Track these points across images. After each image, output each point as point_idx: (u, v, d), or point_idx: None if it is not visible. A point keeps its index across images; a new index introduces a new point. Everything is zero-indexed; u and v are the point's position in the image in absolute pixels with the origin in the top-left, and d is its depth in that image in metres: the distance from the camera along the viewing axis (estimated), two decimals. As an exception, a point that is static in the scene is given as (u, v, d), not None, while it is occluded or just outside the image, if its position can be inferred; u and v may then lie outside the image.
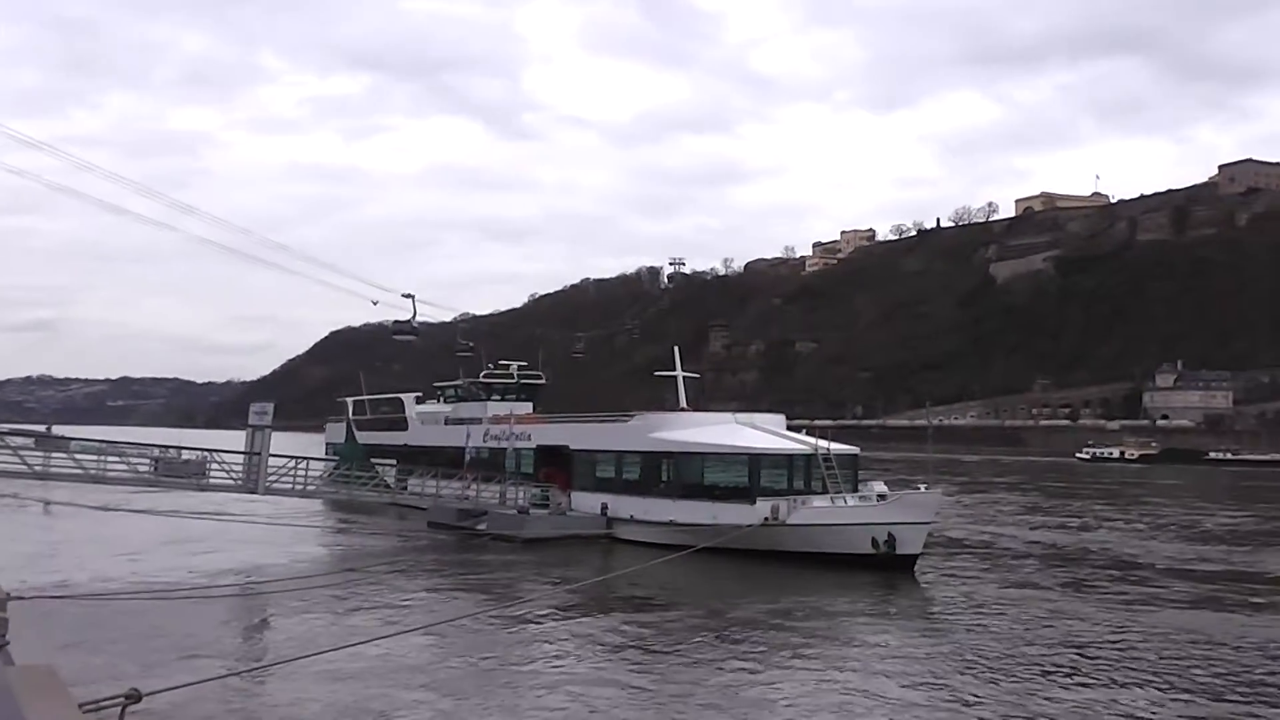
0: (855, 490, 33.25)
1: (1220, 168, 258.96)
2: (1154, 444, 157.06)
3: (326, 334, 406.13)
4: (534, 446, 43.38)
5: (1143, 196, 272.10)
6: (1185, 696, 17.26)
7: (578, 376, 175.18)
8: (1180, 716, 16.23)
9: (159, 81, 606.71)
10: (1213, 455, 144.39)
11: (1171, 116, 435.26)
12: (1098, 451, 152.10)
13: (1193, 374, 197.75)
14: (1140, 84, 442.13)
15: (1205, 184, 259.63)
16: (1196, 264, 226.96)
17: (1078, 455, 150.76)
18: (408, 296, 44.98)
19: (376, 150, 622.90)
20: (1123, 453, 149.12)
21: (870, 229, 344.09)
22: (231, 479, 35.67)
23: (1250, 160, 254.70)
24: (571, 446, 41.50)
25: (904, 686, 17.80)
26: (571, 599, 25.43)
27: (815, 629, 22.85)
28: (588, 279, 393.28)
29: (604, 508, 38.12)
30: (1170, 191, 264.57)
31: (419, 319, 49.88)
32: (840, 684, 17.93)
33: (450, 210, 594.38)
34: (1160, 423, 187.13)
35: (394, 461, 48.11)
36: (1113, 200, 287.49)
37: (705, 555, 30.17)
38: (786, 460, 34.95)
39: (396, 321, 46.10)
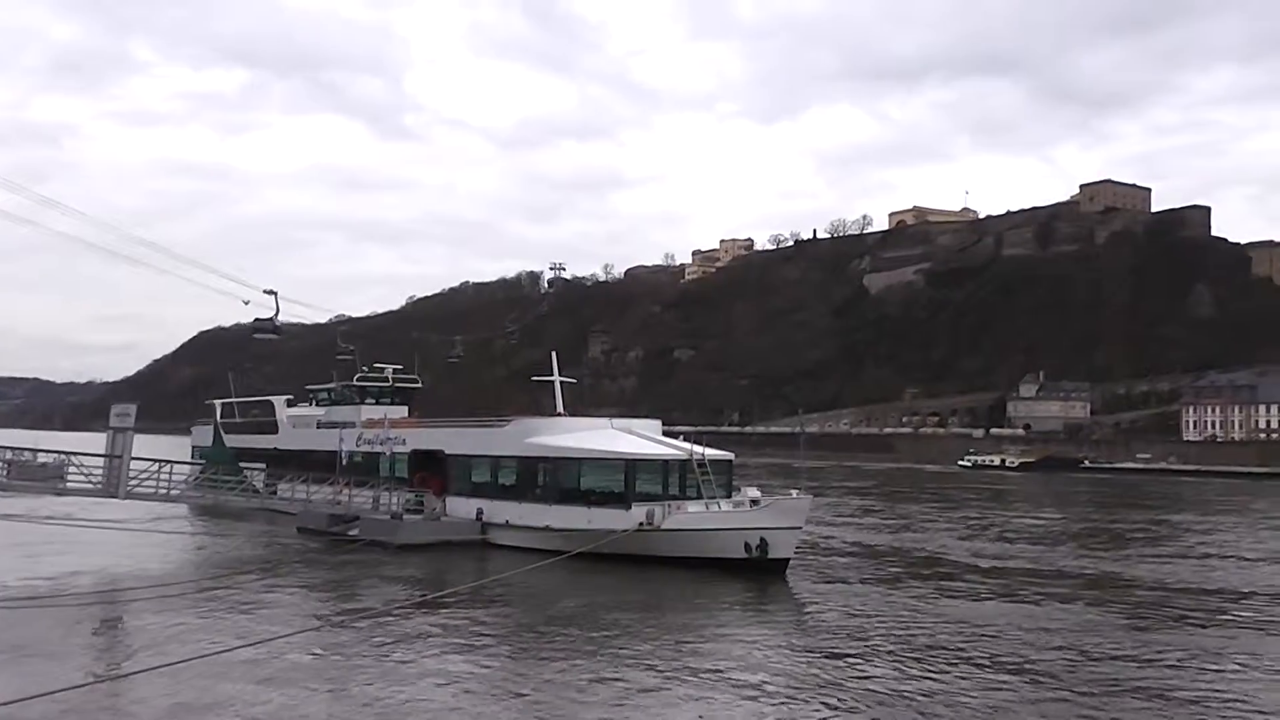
0: (730, 496, 33.55)
1: (1081, 187, 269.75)
2: (1032, 452, 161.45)
3: (195, 334, 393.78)
4: (409, 451, 42.79)
5: (1009, 213, 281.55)
6: (1009, 681, 17.88)
7: (455, 380, 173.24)
8: (1010, 702, 16.80)
9: (23, 69, 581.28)
10: (1088, 463, 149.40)
11: (1037, 137, 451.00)
12: (979, 459, 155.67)
13: (1054, 384, 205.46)
14: (1009, 105, 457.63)
15: (1067, 202, 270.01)
16: (1058, 279, 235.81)
17: (959, 463, 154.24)
18: (270, 293, 43.62)
19: (252, 147, 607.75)
20: (1003, 460, 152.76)
21: (749, 238, 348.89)
22: (91, 483, 34.30)
23: (1109, 181, 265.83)
24: (447, 451, 41.04)
25: (772, 689, 18.03)
26: (445, 605, 25.13)
27: (688, 633, 23.01)
28: (467, 282, 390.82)
29: (479, 513, 37.82)
30: (1035, 209, 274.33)
31: (284, 318, 48.37)
32: (711, 686, 18.09)
33: (328, 210, 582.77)
34: (1020, 431, 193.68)
35: (263, 466, 46.92)
36: (981, 216, 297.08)
37: (580, 560, 30.16)
38: (662, 466, 35.12)
39: (257, 319, 44.47)
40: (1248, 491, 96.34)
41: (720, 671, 19.20)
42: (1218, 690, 18.62)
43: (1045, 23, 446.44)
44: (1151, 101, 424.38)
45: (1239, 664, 20.86)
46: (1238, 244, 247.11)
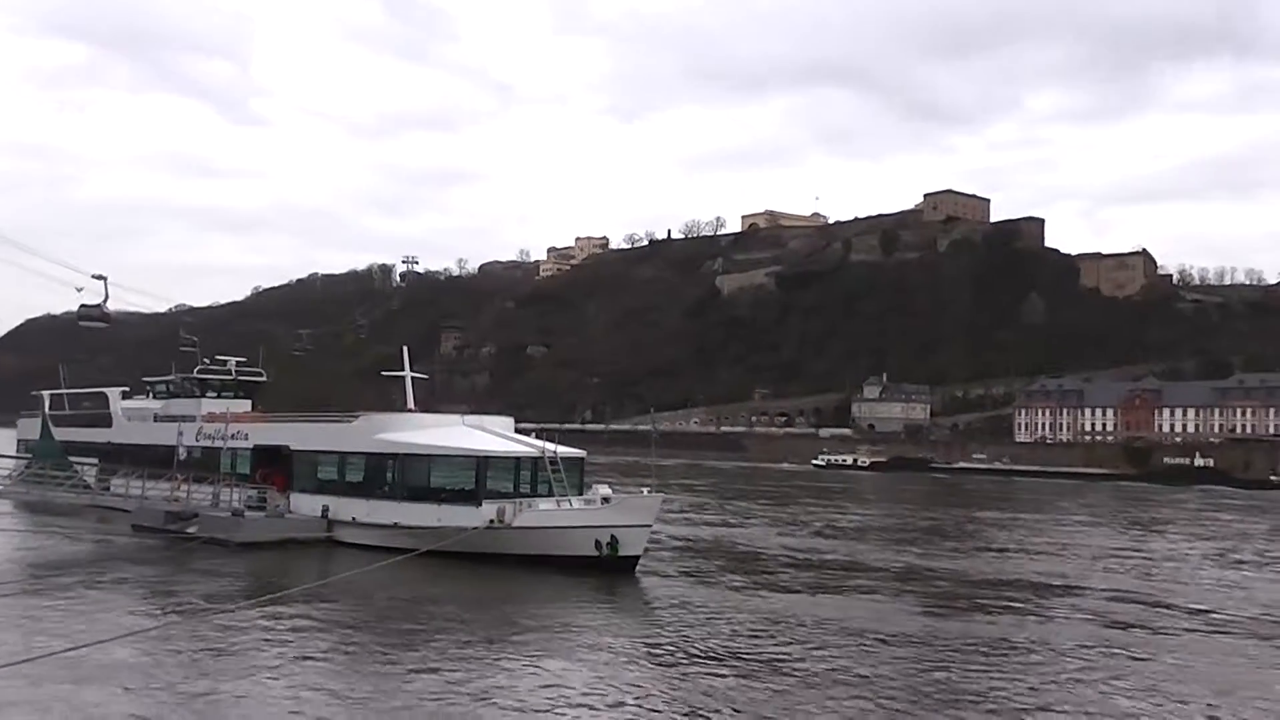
0: (581, 494, 33.61)
1: (925, 196, 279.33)
2: (884, 452, 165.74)
3: (22, 321, 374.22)
4: (251, 446, 41.50)
5: (856, 219, 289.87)
6: (830, 674, 18.45)
7: (302, 375, 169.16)
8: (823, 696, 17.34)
9: None
10: (935, 463, 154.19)
11: (885, 146, 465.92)
12: (832, 459, 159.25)
13: (896, 387, 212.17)
14: (858, 115, 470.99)
15: (911, 210, 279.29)
16: (901, 285, 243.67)
17: (813, 462, 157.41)
18: (99, 278, 41.65)
19: (88, 127, 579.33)
20: (855, 460, 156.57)
21: (604, 237, 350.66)
22: (-98, 477, 32.32)
23: (950, 191, 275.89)
24: (292, 447, 39.99)
25: (616, 686, 18.13)
26: (288, 605, 24.45)
27: (538, 631, 22.96)
28: (316, 274, 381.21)
29: (325, 510, 36.97)
30: (881, 216, 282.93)
31: (120, 307, 46.25)
32: (560, 683, 18.09)
33: (170, 196, 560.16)
34: (848, 431, 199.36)
35: (95, 460, 44.89)
36: (830, 221, 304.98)
37: (430, 558, 29.78)
38: (514, 463, 34.97)
39: (84, 306, 42.31)
40: (1073, 491, 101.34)
41: (566, 669, 19.21)
42: (1000, 675, 19.81)
43: (892, 38, 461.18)
44: (991, 118, 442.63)
45: (1019, 648, 22.38)
46: (1068, 255, 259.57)
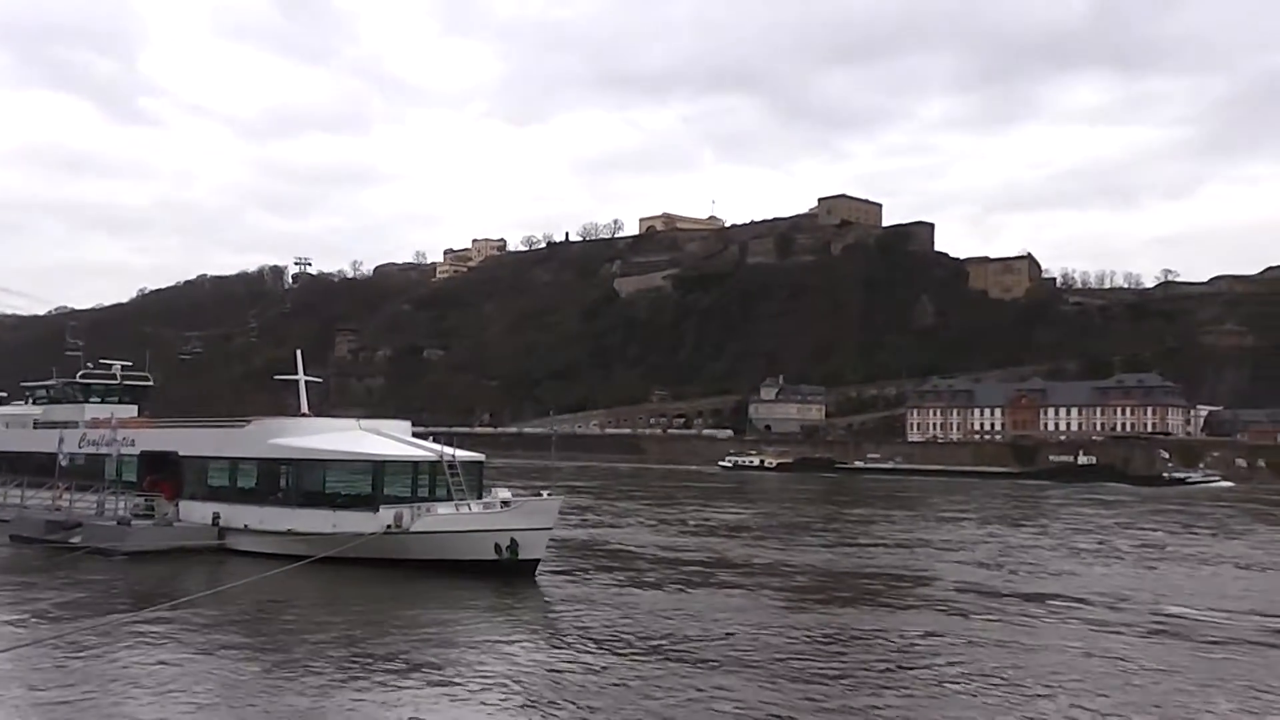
0: (480, 497, 33.37)
1: (819, 200, 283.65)
2: (790, 453, 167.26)
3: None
4: (138, 453, 40.30)
5: (752, 222, 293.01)
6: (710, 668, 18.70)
7: (191, 379, 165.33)
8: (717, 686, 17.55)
9: None
10: (840, 464, 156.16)
11: (780, 152, 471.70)
12: (739, 460, 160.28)
13: (792, 388, 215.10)
14: (754, 120, 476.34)
15: (806, 214, 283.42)
16: (797, 287, 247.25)
17: (720, 464, 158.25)
18: (-30, 278, 40.03)
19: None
20: (762, 461, 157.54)
21: (502, 239, 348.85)
22: None
23: (844, 196, 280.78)
24: (181, 453, 38.95)
25: (515, 690, 18.05)
26: (177, 615, 23.79)
27: (433, 638, 22.71)
28: (204, 275, 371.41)
29: (216, 517, 36.10)
30: (776, 219, 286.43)
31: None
32: (460, 690, 17.93)
33: (50, 194, 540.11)
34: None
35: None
36: (726, 224, 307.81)
37: (327, 565, 29.27)
38: (411, 467, 34.55)
39: None
40: (962, 488, 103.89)
41: (464, 675, 19.06)
42: (840, 661, 20.86)
43: (788, 45, 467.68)
44: (884, 123, 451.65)
45: (869, 634, 23.38)
46: (957, 259, 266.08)
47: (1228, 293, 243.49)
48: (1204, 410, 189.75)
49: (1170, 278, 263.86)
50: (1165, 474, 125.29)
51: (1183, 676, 20.20)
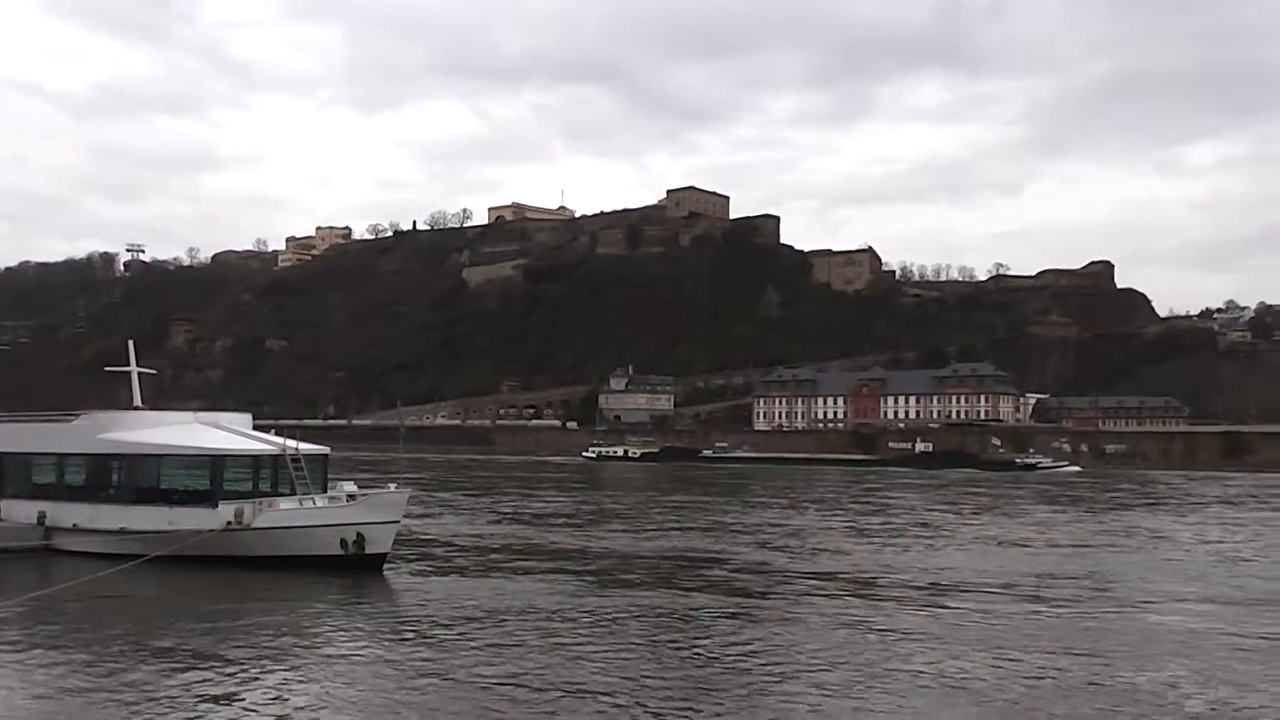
0: (325, 491, 32.59)
1: (668, 192, 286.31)
2: (655, 443, 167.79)
3: None
4: (-47, 449, 37.98)
5: (602, 213, 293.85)
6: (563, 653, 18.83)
7: (13, 370, 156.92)
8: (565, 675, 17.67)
9: None
10: (705, 453, 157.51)
11: (631, 144, 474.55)
12: (603, 450, 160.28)
13: (641, 378, 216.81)
14: (606, 112, 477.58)
15: (655, 206, 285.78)
16: (646, 278, 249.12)
17: (584, 454, 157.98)
18: None
19: None
20: (626, 451, 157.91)
21: (347, 227, 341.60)
22: None
23: (693, 188, 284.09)
24: (1, 449, 36.90)
25: (368, 689, 17.71)
26: (-3, 621, 22.54)
27: (280, 636, 22.05)
28: (27, 262, 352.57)
29: (41, 517, 34.28)
30: (626, 210, 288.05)
31: None
32: (305, 689, 17.49)
33: None
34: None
35: None
36: (576, 215, 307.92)
37: (164, 564, 28.19)
38: (252, 461, 33.44)
39: None
40: (813, 476, 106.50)
41: (303, 673, 18.60)
42: (634, 642, 21.57)
43: (640, 37, 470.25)
44: (732, 118, 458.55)
45: (649, 610, 23.74)
46: (802, 251, 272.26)
47: (1054, 286, 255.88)
48: (1033, 398, 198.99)
49: (1002, 271, 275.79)
50: (1017, 460, 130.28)
51: (906, 634, 22.37)
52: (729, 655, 20.36)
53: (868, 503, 67.11)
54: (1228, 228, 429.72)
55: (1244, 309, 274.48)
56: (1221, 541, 44.51)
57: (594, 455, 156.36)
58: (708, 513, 56.72)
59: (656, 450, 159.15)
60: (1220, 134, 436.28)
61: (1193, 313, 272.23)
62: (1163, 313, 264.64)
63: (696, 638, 22.08)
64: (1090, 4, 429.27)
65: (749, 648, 21.10)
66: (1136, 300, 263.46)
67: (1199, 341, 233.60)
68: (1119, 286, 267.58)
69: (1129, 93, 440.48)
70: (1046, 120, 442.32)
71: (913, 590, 29.09)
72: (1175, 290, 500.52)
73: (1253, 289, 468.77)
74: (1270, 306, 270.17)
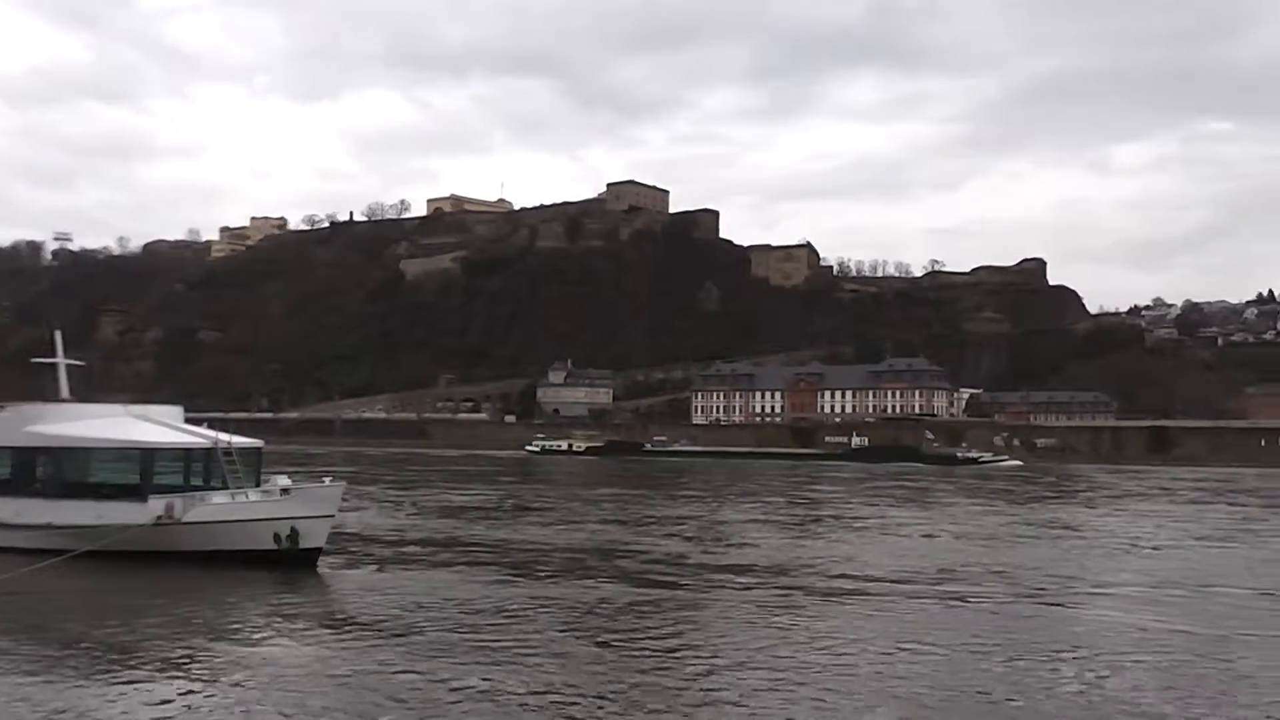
0: (258, 485, 32.17)
1: (608, 186, 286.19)
2: (599, 437, 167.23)
3: None
4: None
5: (542, 206, 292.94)
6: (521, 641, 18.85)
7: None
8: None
9: None
10: (649, 447, 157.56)
11: (572, 137, 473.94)
12: (546, 444, 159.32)
13: (580, 372, 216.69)
14: (546, 104, 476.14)
15: (595, 199, 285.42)
16: (585, 272, 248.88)
17: (527, 448, 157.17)
18: None
19: None
20: (570, 446, 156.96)
21: (282, 217, 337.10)
22: None
23: (633, 182, 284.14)
24: (-79, 442, 35.91)
25: (298, 685, 17.53)
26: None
27: (212, 633, 21.71)
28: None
29: (-37, 512, 33.47)
30: (566, 203, 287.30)
31: None
32: (235, 686, 17.26)
33: None
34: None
35: None
36: (516, 208, 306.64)
37: (92, 560, 27.65)
38: (184, 454, 32.88)
39: None
40: (745, 470, 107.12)
41: (238, 671, 18.36)
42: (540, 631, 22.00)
43: (582, 30, 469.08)
44: (672, 112, 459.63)
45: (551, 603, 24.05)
46: (740, 246, 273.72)
47: (988, 282, 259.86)
48: (966, 393, 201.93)
49: (937, 267, 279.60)
50: (958, 454, 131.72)
51: (820, 625, 22.96)
52: (639, 646, 20.57)
53: (803, 497, 67.64)
54: (1156, 227, 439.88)
55: (1170, 306, 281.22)
56: (1135, 534, 45.55)
57: (538, 449, 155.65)
58: (635, 506, 56.99)
59: (600, 444, 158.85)
60: (1151, 135, 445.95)
61: (1122, 310, 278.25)
62: (1093, 309, 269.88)
63: (608, 629, 22.27)
64: (1023, 5, 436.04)
65: (658, 638, 21.32)
66: (1068, 297, 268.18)
67: (1127, 338, 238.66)
68: (1051, 284, 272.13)
69: (1061, 93, 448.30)
70: (981, 119, 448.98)
71: (832, 582, 29.50)
72: (1105, 288, 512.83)
73: (1179, 287, 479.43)
74: (1195, 305, 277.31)
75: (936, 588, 28.61)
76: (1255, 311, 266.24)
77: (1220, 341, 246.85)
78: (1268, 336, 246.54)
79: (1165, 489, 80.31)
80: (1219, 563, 35.33)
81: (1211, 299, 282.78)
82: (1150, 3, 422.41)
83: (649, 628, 22.47)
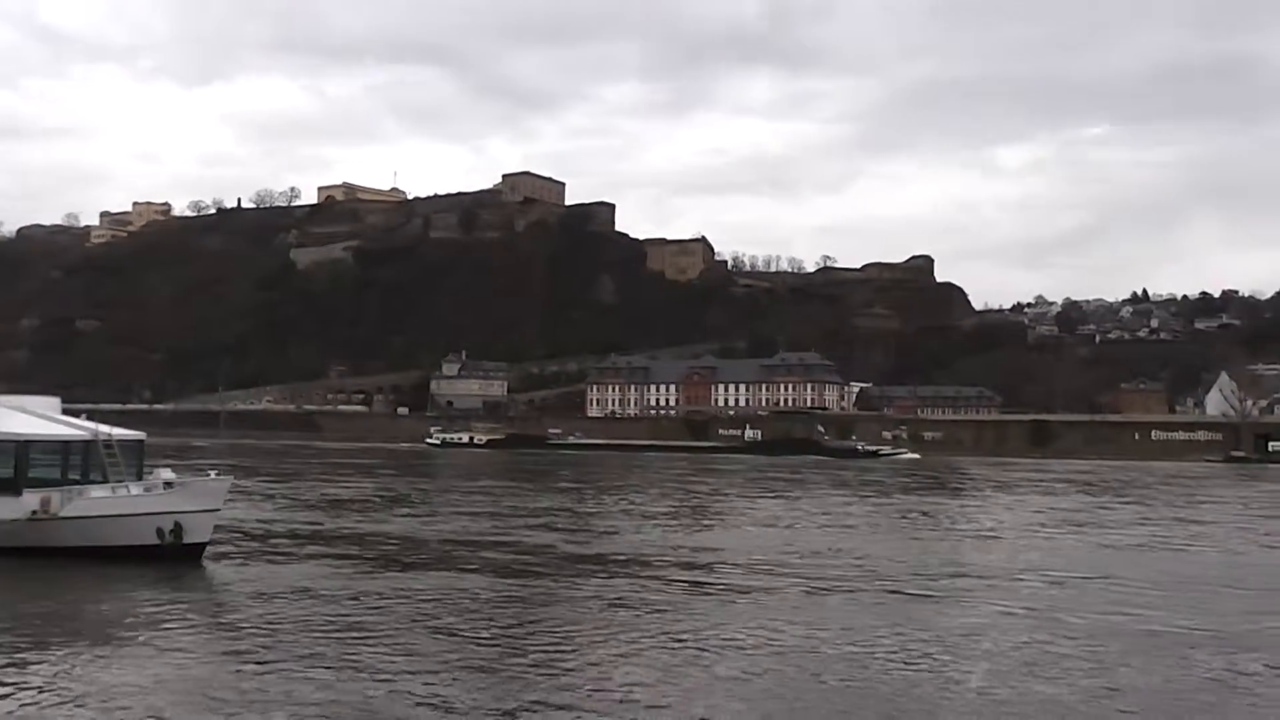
0: (140, 478, 31.20)
1: (504, 177, 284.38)
2: (501, 430, 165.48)
3: None
4: None
5: (437, 196, 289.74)
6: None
7: None
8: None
9: None
10: (553, 440, 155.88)
11: (467, 127, 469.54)
12: (447, 437, 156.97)
13: (475, 364, 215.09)
14: (442, 94, 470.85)
15: (491, 190, 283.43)
16: (480, 263, 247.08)
17: (427, 441, 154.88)
18: None
19: None
20: (472, 438, 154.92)
21: (166, 203, 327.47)
22: None
23: (529, 173, 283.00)
24: None
25: (187, 684, 17.08)
26: None
27: (89, 631, 21.02)
28: None
29: None
30: (461, 194, 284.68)
31: None
32: (118, 687, 16.72)
33: None
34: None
35: None
36: (409, 197, 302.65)
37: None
38: (61, 447, 31.71)
39: None
40: (644, 462, 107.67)
41: (117, 670, 17.80)
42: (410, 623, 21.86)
43: (476, 21, 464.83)
44: (569, 105, 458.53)
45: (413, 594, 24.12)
46: (636, 240, 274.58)
47: (878, 279, 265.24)
48: (856, 386, 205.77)
49: (829, 264, 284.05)
50: (860, 447, 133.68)
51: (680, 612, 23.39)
52: (489, 636, 20.78)
53: (692, 489, 68.00)
54: (1038, 227, 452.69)
55: (1051, 304, 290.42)
56: (993, 524, 46.98)
57: (438, 442, 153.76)
58: (512, 498, 56.83)
59: (502, 437, 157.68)
60: (1031, 138, 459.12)
61: (1006, 307, 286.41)
62: (978, 307, 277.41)
63: (472, 618, 22.48)
64: (908, 9, 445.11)
65: (506, 628, 21.55)
66: (954, 294, 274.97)
67: (1011, 335, 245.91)
68: (938, 281, 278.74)
69: (947, 95, 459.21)
70: (869, 120, 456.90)
71: (693, 572, 29.88)
72: (990, 286, 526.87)
73: (1060, 286, 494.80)
74: (1075, 303, 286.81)
75: (798, 576, 29.27)
76: (1130, 310, 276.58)
77: (1098, 339, 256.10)
78: (1141, 334, 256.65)
79: (1031, 480, 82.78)
80: (1061, 550, 36.86)
81: (1090, 297, 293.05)
82: (1024, 13, 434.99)
83: (503, 617, 22.68)
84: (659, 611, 23.52)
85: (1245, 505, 60.08)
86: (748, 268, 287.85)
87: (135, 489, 30.13)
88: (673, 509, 51.74)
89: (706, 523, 45.52)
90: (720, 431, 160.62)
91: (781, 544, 37.06)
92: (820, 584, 27.98)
